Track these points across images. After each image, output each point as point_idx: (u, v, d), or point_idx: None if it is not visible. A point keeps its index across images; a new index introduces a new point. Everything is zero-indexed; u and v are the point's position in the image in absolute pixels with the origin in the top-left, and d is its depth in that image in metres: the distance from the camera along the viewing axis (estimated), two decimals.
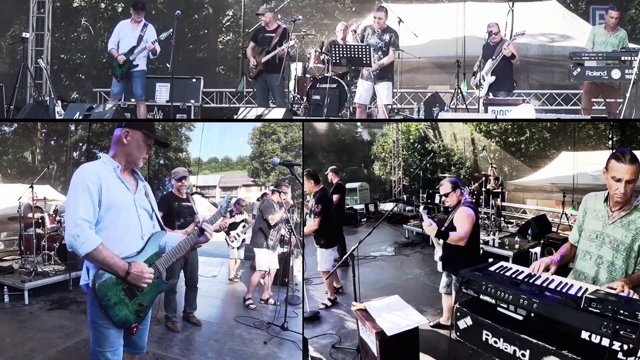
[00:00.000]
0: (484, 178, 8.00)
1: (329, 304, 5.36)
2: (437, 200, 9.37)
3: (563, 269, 3.04)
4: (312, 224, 5.27)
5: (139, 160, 2.95)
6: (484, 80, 7.55)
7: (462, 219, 4.11)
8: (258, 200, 8.38)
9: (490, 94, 7.63)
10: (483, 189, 7.80)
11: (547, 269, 2.87)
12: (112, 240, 2.75)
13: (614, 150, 2.83)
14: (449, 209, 4.47)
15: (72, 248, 2.65)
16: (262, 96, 7.77)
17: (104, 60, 12.15)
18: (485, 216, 7.66)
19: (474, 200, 8.09)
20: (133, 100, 8.83)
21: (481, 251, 6.73)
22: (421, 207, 4.24)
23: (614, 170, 2.72)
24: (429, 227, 3.88)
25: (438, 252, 4.27)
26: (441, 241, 4.16)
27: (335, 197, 6.82)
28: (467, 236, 3.99)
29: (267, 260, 5.67)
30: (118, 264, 2.73)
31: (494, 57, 7.42)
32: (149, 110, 8.56)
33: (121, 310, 2.75)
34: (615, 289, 2.46)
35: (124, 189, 2.87)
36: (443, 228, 4.13)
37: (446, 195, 4.34)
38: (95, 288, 2.71)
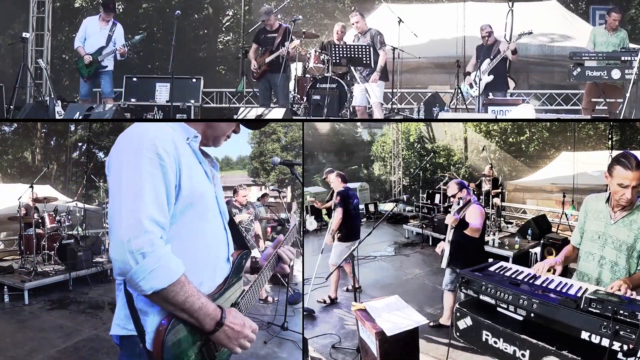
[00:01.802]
0: (482, 178, 8.01)
1: (328, 300, 5.36)
2: (437, 201, 9.40)
3: (563, 270, 3.04)
4: (336, 215, 5.51)
5: (222, 138, 1.90)
6: (480, 80, 7.54)
7: (475, 215, 4.40)
8: (258, 200, 8.39)
9: (491, 94, 7.62)
10: (483, 189, 7.81)
11: (549, 271, 2.87)
12: (191, 264, 1.63)
13: (616, 154, 2.80)
14: (459, 208, 4.66)
15: (128, 278, 1.50)
16: (264, 96, 7.78)
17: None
18: (485, 216, 7.66)
19: None
20: (133, 100, 8.85)
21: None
22: (454, 207, 4.54)
23: (620, 177, 2.70)
24: (452, 218, 4.24)
25: (446, 249, 4.46)
26: (450, 237, 4.43)
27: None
28: (481, 228, 4.35)
29: None
30: (207, 309, 1.61)
31: (492, 57, 7.41)
32: (148, 110, 8.57)
33: None
34: (613, 289, 2.46)
35: (204, 175, 1.77)
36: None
37: (453, 195, 4.64)
38: (163, 349, 1.55)
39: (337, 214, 5.49)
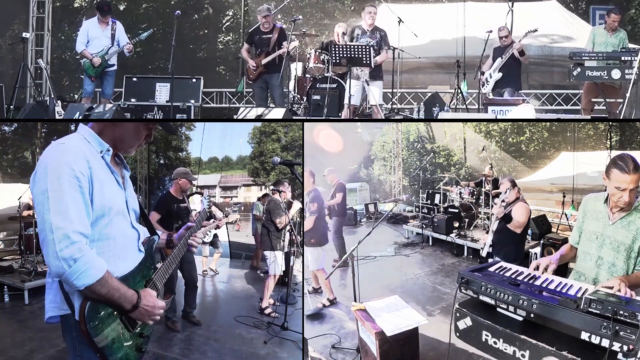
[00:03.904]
0: (482, 178, 8.02)
1: (327, 303, 5.36)
2: (437, 201, 9.40)
3: (563, 269, 3.04)
4: (307, 222, 5.41)
5: (133, 148, 2.19)
6: (490, 78, 7.58)
7: (521, 211, 4.58)
8: (258, 199, 8.38)
9: (491, 94, 7.64)
10: (483, 190, 7.82)
11: (545, 269, 2.87)
12: (106, 258, 2.00)
13: (614, 157, 2.80)
14: (507, 204, 4.81)
15: (64, 278, 1.87)
16: (261, 97, 7.75)
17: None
18: (485, 216, 7.67)
19: (473, 200, 8.12)
20: (133, 100, 8.86)
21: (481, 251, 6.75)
22: (500, 201, 4.63)
23: (617, 181, 2.70)
24: (499, 209, 4.45)
25: (489, 239, 4.60)
26: (495, 227, 4.59)
27: (339, 196, 6.86)
28: (524, 224, 4.57)
29: (280, 263, 5.54)
30: (126, 296, 2.00)
31: (503, 56, 7.46)
32: (148, 110, 8.58)
33: (120, 349, 2.05)
34: (612, 288, 2.45)
35: (115, 184, 2.09)
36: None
37: (506, 191, 4.77)
38: (87, 326, 1.93)
39: (309, 221, 5.35)
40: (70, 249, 1.84)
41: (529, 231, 6.80)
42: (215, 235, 7.24)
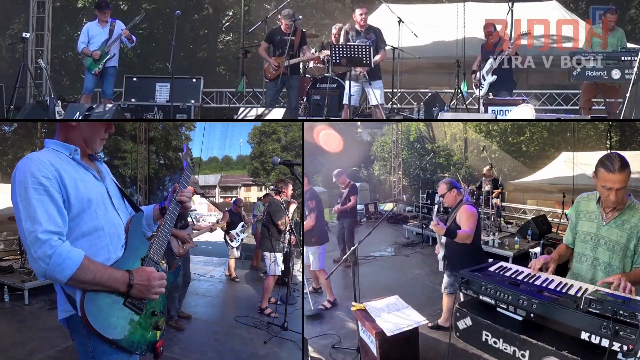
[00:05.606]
0: (482, 179, 8.02)
1: (329, 305, 5.35)
2: (436, 200, 9.40)
3: (562, 269, 3.04)
4: (308, 220, 5.39)
5: (97, 145, 2.28)
6: (484, 80, 7.55)
7: (466, 217, 4.12)
8: (259, 200, 8.38)
9: (491, 94, 7.63)
10: (483, 190, 7.82)
11: (541, 269, 2.87)
12: (98, 249, 2.10)
13: (601, 156, 2.79)
14: (449, 209, 4.49)
15: (47, 276, 1.94)
16: (274, 97, 7.62)
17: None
18: (485, 216, 7.67)
19: (473, 201, 8.12)
20: (133, 100, 8.86)
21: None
22: (435, 209, 4.20)
23: (603, 180, 2.70)
24: (437, 227, 3.89)
25: (441, 252, 4.26)
26: (444, 240, 4.16)
27: (353, 199, 6.88)
28: (472, 234, 4.02)
29: (280, 264, 5.55)
30: (115, 277, 2.04)
31: (495, 57, 7.41)
32: (149, 110, 8.57)
33: (135, 333, 2.08)
34: (612, 284, 2.45)
35: (91, 178, 2.21)
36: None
37: (442, 196, 4.41)
38: (89, 319, 1.99)
39: (311, 219, 5.35)
40: (42, 248, 1.93)
41: (529, 231, 6.81)
42: (242, 240, 7.26)
